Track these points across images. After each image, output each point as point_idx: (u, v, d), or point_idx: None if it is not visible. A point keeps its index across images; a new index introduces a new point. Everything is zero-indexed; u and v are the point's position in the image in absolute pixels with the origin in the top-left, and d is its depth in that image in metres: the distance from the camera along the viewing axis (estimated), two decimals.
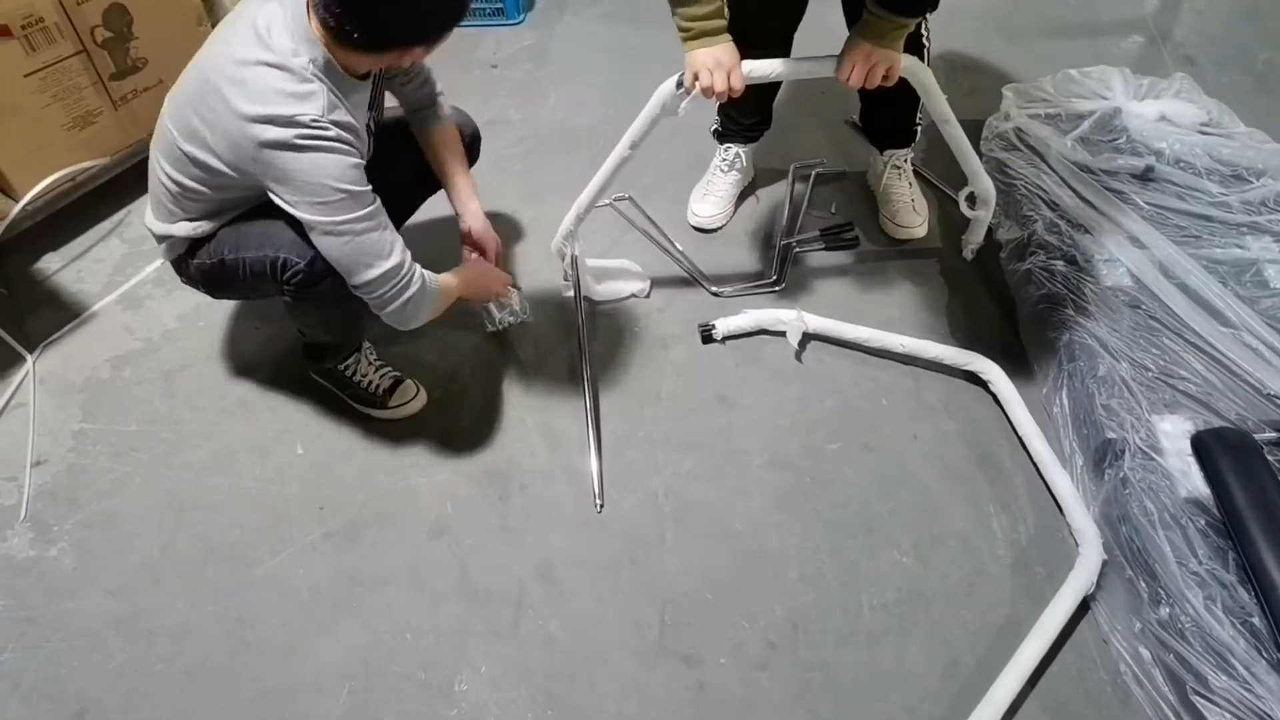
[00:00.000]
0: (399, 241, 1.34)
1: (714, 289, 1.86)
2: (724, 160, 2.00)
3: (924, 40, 1.71)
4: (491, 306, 1.67)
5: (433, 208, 1.82)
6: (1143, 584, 1.28)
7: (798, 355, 1.72)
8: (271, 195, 1.28)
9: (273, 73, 1.22)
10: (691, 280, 1.89)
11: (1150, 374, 1.48)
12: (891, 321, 1.76)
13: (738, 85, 1.43)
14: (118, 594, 1.44)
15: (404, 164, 1.62)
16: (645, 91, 1.51)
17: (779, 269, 1.88)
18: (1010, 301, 1.76)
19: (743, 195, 2.07)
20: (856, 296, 1.84)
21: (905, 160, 1.93)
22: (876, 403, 1.65)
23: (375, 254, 1.30)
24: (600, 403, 1.67)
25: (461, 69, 2.54)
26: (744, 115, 1.93)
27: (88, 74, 1.92)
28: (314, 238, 1.29)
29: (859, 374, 1.69)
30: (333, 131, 1.24)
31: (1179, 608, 1.21)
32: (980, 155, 1.97)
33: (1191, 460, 1.35)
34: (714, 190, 2.00)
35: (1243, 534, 1.24)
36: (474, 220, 1.66)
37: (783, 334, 1.72)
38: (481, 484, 1.57)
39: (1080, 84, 2.05)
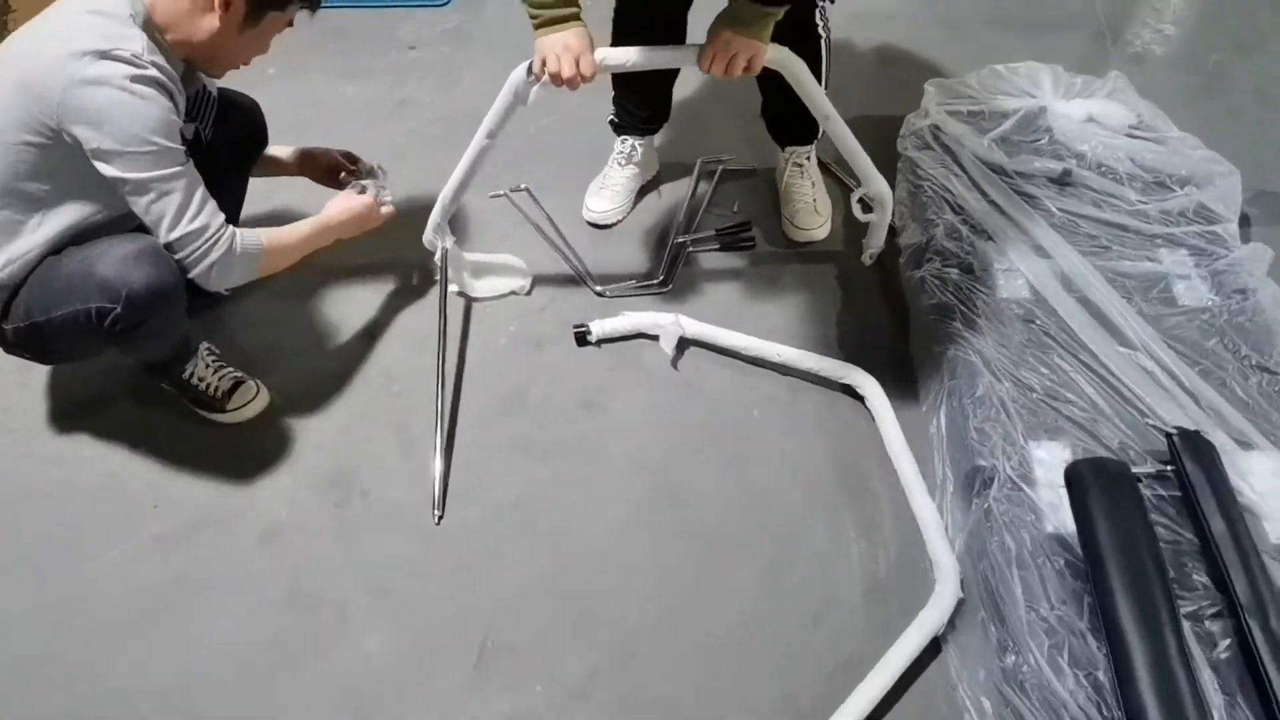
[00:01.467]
0: (210, 204, 1.32)
1: (598, 289, 1.75)
2: (620, 153, 1.89)
3: (819, 30, 1.60)
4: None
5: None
6: (993, 628, 1.17)
7: (674, 362, 1.62)
8: (85, 146, 1.20)
9: (94, 17, 1.22)
10: (578, 279, 1.79)
11: (1034, 395, 1.37)
12: (778, 330, 1.65)
13: (587, 71, 1.33)
14: None
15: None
16: None
17: (668, 269, 1.77)
18: (906, 311, 1.65)
19: (645, 190, 1.97)
20: (746, 302, 1.73)
21: (807, 158, 1.81)
22: (748, 414, 1.54)
23: (182, 213, 1.27)
24: (460, 406, 1.58)
25: (378, 50, 2.43)
26: (637, 107, 1.82)
27: None
28: (124, 193, 1.25)
29: (736, 383, 1.59)
30: (152, 72, 1.22)
31: (1023, 656, 1.10)
32: (898, 154, 1.87)
33: (1064, 492, 1.24)
34: (610, 184, 1.89)
35: (1099, 576, 1.12)
36: (286, 153, 1.70)
37: (657, 338, 1.62)
38: (321, 488, 1.48)
39: (1007, 80, 1.93)
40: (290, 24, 1.42)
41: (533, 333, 1.70)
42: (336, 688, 1.24)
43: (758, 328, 1.62)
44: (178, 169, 1.26)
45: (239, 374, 1.58)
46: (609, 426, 1.54)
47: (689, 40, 1.58)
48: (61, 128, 1.20)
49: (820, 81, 1.65)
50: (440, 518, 1.42)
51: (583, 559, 1.37)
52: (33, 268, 1.30)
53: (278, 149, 1.71)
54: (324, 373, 1.64)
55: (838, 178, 1.94)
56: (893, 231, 1.74)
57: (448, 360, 1.60)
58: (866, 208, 1.63)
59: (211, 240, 1.30)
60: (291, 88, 2.31)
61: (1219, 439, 1.28)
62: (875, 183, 1.58)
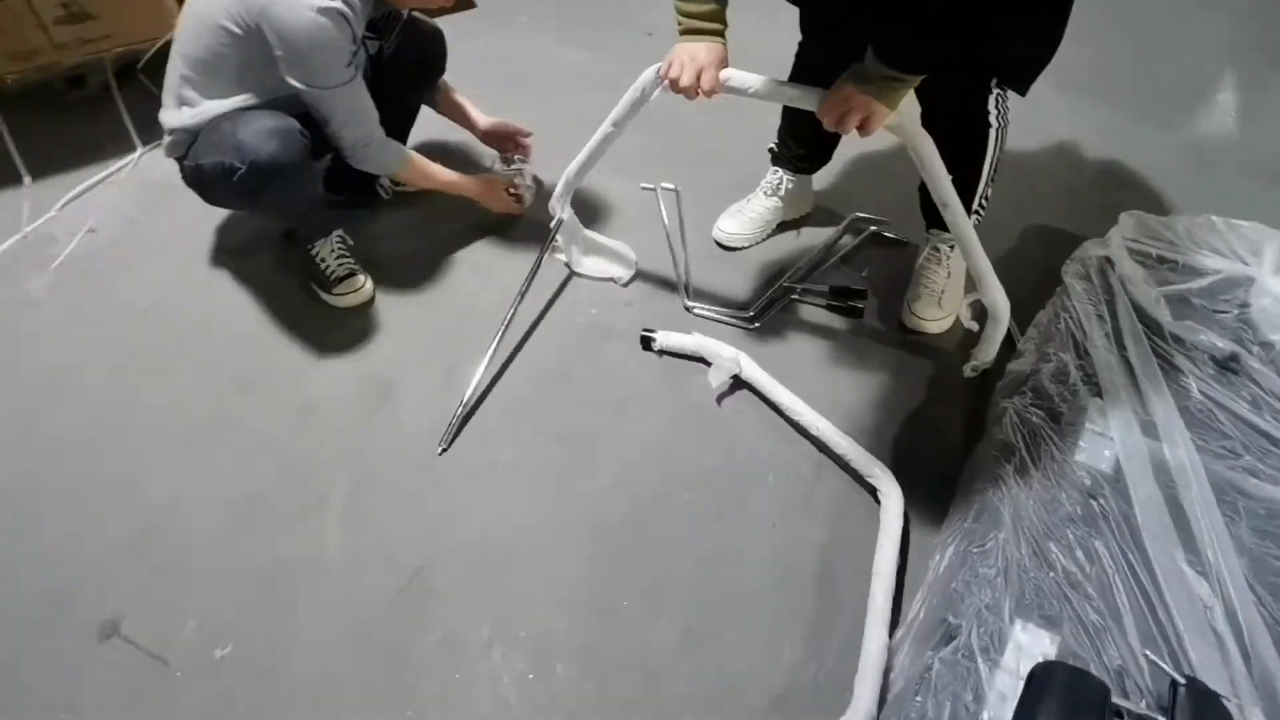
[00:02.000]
0: (370, 115, 1.60)
1: (688, 302, 1.75)
2: (768, 183, 1.86)
3: (991, 119, 1.47)
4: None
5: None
6: None
7: (718, 397, 1.59)
8: (273, 50, 1.44)
9: None
10: (676, 287, 1.79)
11: (1050, 574, 1.19)
12: (840, 405, 1.56)
13: (706, 86, 1.33)
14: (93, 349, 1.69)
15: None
16: None
17: (763, 308, 1.73)
18: (977, 438, 1.49)
19: (788, 226, 1.92)
20: (821, 367, 1.64)
21: (951, 247, 1.67)
22: (762, 476, 1.48)
23: (346, 120, 1.56)
24: (511, 363, 1.65)
25: (615, 28, 2.56)
26: (796, 143, 1.78)
27: None
28: (302, 96, 1.50)
29: (766, 441, 1.53)
30: (338, 4, 1.40)
31: None
32: (1061, 280, 1.69)
33: (1020, 687, 1.08)
34: (748, 210, 1.87)
35: None
36: (482, 120, 1.94)
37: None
38: (365, 389, 1.62)
39: (1220, 236, 1.65)
40: None
41: (608, 322, 1.73)
42: (281, 559, 1.37)
43: (816, 396, 1.54)
44: (341, 86, 1.50)
45: (356, 266, 1.77)
46: (626, 434, 1.54)
47: None
48: (259, 27, 1.42)
49: (981, 173, 1.54)
50: (443, 451, 1.51)
51: (529, 542, 1.40)
52: (209, 121, 1.54)
53: (475, 112, 1.96)
54: (419, 293, 1.79)
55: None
56: (1013, 348, 1.58)
57: (520, 321, 1.69)
58: (981, 316, 1.49)
59: (365, 141, 1.61)
60: (523, 37, 2.50)
61: (1245, 715, 1.05)
62: (991, 291, 1.44)
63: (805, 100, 1.32)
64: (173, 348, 1.69)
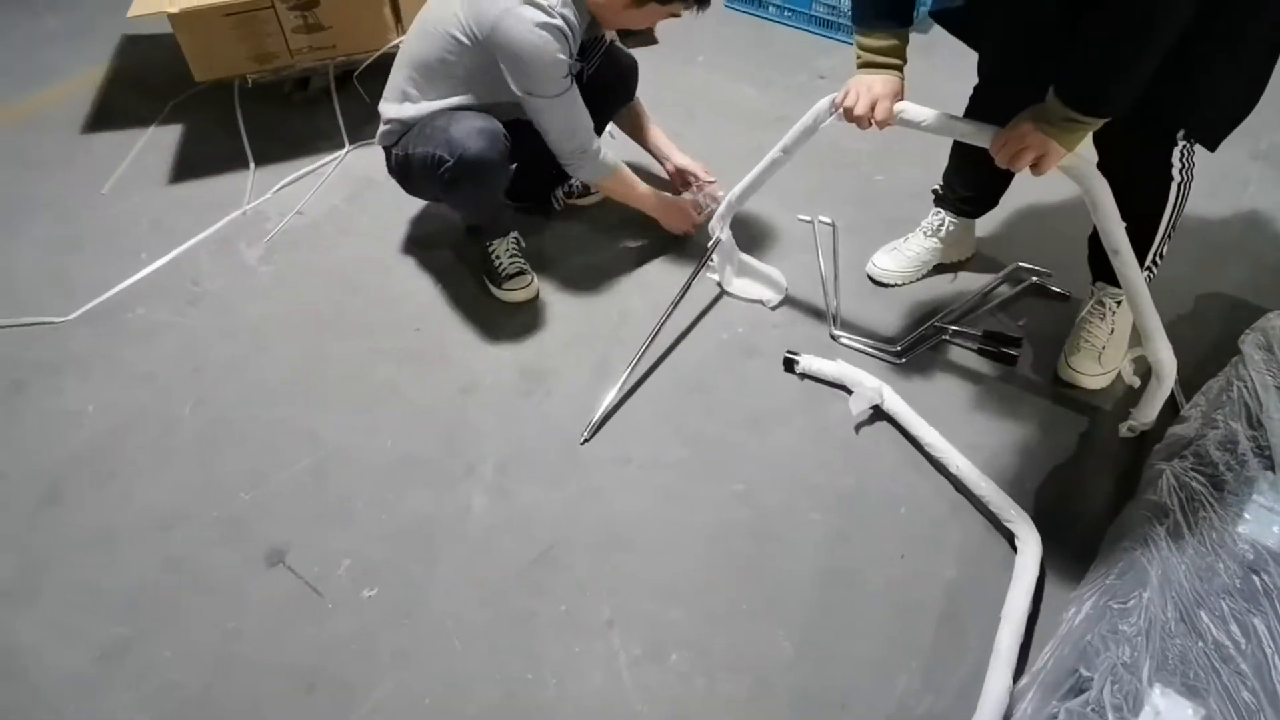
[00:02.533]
0: (585, 123, 1.72)
1: (835, 330, 1.77)
2: (929, 223, 1.86)
3: (1175, 173, 1.43)
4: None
5: None
6: None
7: (856, 425, 1.59)
8: (500, 62, 1.61)
9: None
10: (824, 315, 1.82)
11: (1199, 644, 1.13)
12: (981, 450, 1.53)
13: (879, 116, 1.37)
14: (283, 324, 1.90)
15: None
16: None
17: (911, 345, 1.73)
18: (1128, 498, 1.43)
19: (945, 269, 1.91)
20: (967, 410, 1.62)
21: (1117, 302, 1.62)
22: (894, 507, 1.47)
23: (564, 128, 1.70)
24: (657, 367, 1.73)
25: (791, 69, 2.63)
26: (961, 185, 1.78)
27: None
28: (524, 105, 1.64)
29: (902, 472, 1.52)
30: (557, 21, 1.55)
31: None
32: (1238, 350, 1.60)
33: None
34: (905, 249, 1.87)
35: None
36: (677, 158, 2.06)
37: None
38: (523, 375, 1.74)
39: None
40: (675, 15, 1.67)
41: (753, 341, 1.78)
42: (430, 516, 1.49)
43: (958, 437, 1.52)
44: (559, 96, 1.64)
45: (526, 266, 1.90)
46: (758, 449, 1.58)
47: None
48: (485, 41, 1.59)
49: (1158, 228, 1.50)
50: (585, 440, 1.60)
51: (655, 535, 1.45)
52: (425, 116, 1.71)
53: (664, 143, 2.08)
54: (579, 296, 1.91)
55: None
56: (1175, 412, 1.51)
57: (670, 330, 1.76)
58: (1145, 373, 1.43)
59: (582, 149, 1.74)
60: (700, 74, 2.62)
61: None
62: (1158, 348, 1.39)
63: (979, 136, 1.34)
64: (359, 318, 1.87)
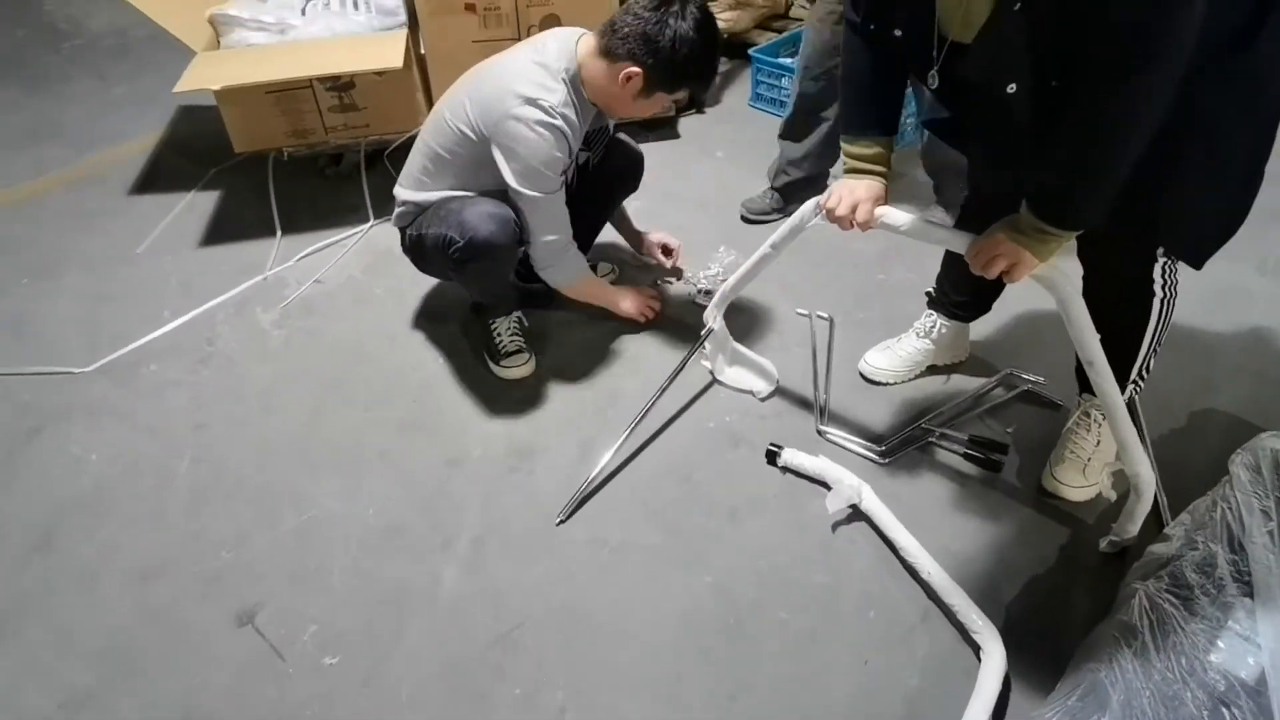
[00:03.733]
0: (564, 223, 1.79)
1: (822, 426, 1.78)
2: (921, 325, 1.88)
3: (1157, 289, 1.44)
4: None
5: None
6: None
7: (833, 524, 1.59)
8: (495, 156, 1.68)
9: (538, 69, 1.66)
10: (812, 409, 1.83)
11: None
12: (957, 555, 1.52)
13: (860, 218, 1.41)
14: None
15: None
16: None
17: (896, 446, 1.73)
18: (1101, 616, 1.39)
19: (937, 370, 1.92)
20: (947, 514, 1.61)
21: (1100, 413, 1.61)
22: (863, 612, 1.45)
23: (543, 225, 1.76)
24: (642, 452, 1.75)
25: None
26: (951, 288, 1.80)
27: None
28: (512, 196, 1.71)
29: (875, 577, 1.50)
30: (558, 122, 1.63)
31: None
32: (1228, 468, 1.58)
33: None
34: (898, 349, 1.89)
35: None
36: (654, 233, 2.19)
37: None
38: (511, 450, 1.77)
39: None
40: (679, 102, 1.76)
41: (739, 431, 1.80)
42: (402, 586, 1.51)
43: (935, 541, 1.51)
44: (548, 195, 1.71)
45: (524, 345, 1.96)
46: (734, 540, 1.58)
47: None
48: (488, 137, 1.68)
49: (1142, 344, 1.50)
50: (561, 522, 1.61)
51: (620, 622, 1.45)
52: (439, 199, 1.80)
53: (635, 223, 2.21)
54: (577, 373, 1.95)
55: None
56: (1160, 529, 1.48)
57: (657, 414, 1.79)
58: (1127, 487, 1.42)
59: (556, 250, 1.81)
60: (718, 165, 2.72)
61: None
62: (1134, 463, 1.38)
63: (955, 242, 1.37)
64: (361, 385, 1.93)
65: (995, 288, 1.78)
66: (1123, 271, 1.45)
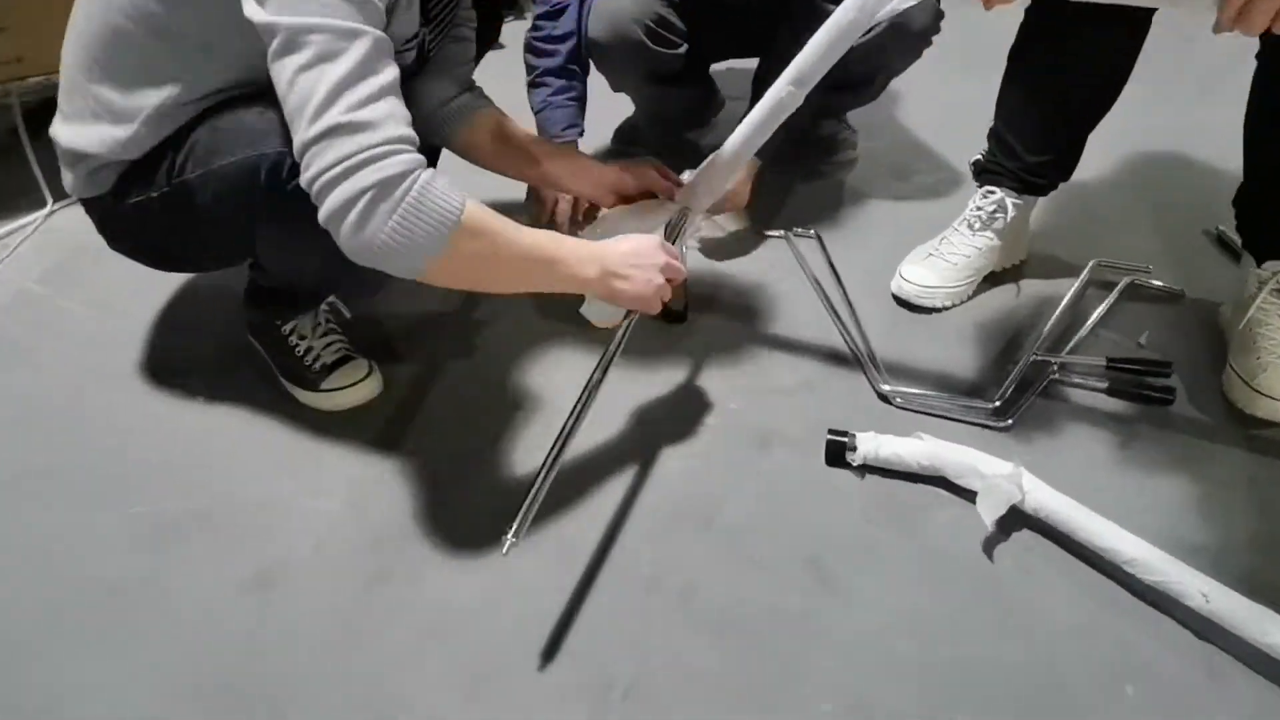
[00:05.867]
0: (397, 103, 0.76)
1: (886, 387, 1.10)
2: (978, 209, 1.25)
3: None
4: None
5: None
6: None
7: (988, 548, 0.91)
8: None
9: None
10: (856, 364, 1.15)
11: None
12: (1184, 549, 0.89)
13: None
14: None
15: None
16: None
17: (1012, 395, 1.08)
18: None
19: (997, 279, 1.30)
20: (1130, 490, 0.98)
21: None
22: (1115, 684, 0.78)
23: (339, 93, 0.72)
24: (629, 513, 0.98)
25: None
26: (1032, 138, 1.18)
27: None
28: (269, 57, 0.75)
29: (1097, 618, 0.84)
30: None
31: None
32: None
33: None
34: (946, 253, 1.25)
35: None
36: (606, 173, 1.18)
37: (971, 494, 0.93)
38: (366, 541, 0.94)
39: None
40: None
41: (761, 423, 1.07)
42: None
43: (1147, 531, 0.87)
44: (358, 26, 0.74)
45: (349, 348, 1.13)
46: (836, 614, 0.85)
47: None
48: None
49: None
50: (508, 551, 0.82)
51: None
52: (169, 126, 0.91)
53: (582, 169, 1.21)
54: (462, 377, 1.14)
55: None
56: None
57: (624, 427, 1.03)
58: None
59: (377, 151, 0.73)
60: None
61: None
62: None
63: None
64: (82, 477, 1.02)
65: (1088, 127, 1.18)
66: None
